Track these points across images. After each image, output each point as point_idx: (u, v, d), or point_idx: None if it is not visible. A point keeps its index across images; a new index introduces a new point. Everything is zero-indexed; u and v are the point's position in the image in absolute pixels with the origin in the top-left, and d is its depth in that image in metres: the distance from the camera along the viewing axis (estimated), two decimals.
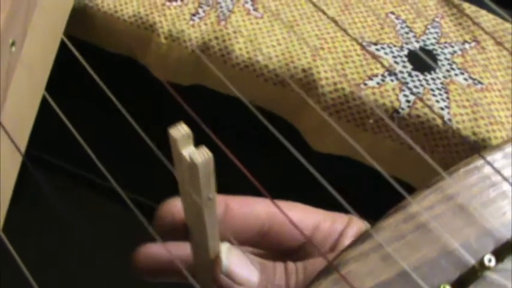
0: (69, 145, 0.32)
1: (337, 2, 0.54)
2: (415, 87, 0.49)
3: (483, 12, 0.54)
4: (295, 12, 0.53)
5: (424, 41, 0.52)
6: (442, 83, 0.49)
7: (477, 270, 0.25)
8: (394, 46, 0.51)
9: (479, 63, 0.51)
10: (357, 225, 0.34)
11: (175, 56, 0.53)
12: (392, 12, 0.54)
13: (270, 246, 0.35)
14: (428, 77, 0.49)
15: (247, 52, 0.51)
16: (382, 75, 0.49)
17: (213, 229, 0.29)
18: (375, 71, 0.49)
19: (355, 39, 0.49)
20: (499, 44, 0.51)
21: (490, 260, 0.25)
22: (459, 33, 0.53)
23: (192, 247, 0.32)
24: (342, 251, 0.27)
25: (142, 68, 0.56)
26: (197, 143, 0.25)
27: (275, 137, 0.30)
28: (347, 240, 0.33)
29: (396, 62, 0.50)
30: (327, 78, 0.49)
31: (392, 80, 0.49)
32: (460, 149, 0.48)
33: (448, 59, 0.51)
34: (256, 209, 0.34)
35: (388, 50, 0.51)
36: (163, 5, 0.54)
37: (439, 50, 0.51)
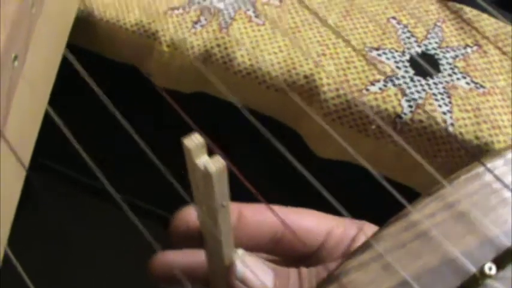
0: (72, 152, 0.33)
1: (338, 8, 0.54)
2: (417, 92, 0.49)
3: (484, 16, 0.54)
4: (296, 19, 0.53)
5: (425, 45, 0.52)
6: (444, 88, 0.49)
7: (478, 279, 0.25)
8: (396, 51, 0.51)
9: (481, 67, 0.51)
10: (370, 230, 0.34)
11: (178, 64, 0.53)
12: (394, 17, 0.54)
13: (284, 253, 0.35)
14: (431, 81, 0.49)
15: (249, 59, 0.51)
16: (384, 81, 0.49)
17: (228, 236, 0.30)
18: (377, 77, 0.49)
19: (354, 48, 0.49)
20: (498, 48, 0.51)
21: (490, 268, 0.25)
22: (461, 37, 0.53)
23: (206, 254, 0.33)
24: (343, 260, 0.27)
25: (144, 76, 0.56)
26: None
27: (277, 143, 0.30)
28: None
29: (398, 67, 0.50)
30: (329, 84, 0.49)
31: (394, 85, 0.49)
32: (462, 153, 0.48)
33: (450, 64, 0.51)
34: (269, 217, 0.34)
35: (390, 55, 0.51)
36: (165, 13, 0.54)
37: (441, 55, 0.51)
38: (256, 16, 0.53)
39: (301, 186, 0.31)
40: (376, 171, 0.50)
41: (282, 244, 0.35)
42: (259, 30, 0.52)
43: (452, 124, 0.48)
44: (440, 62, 0.51)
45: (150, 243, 0.30)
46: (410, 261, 0.26)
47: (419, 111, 0.48)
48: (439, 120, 0.48)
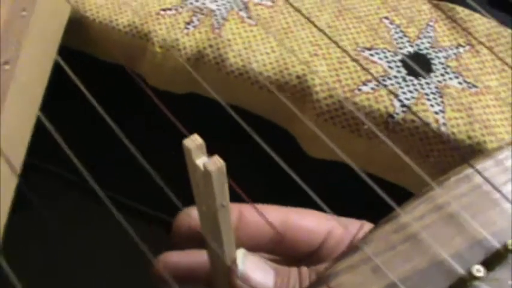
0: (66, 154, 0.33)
1: (331, 8, 0.54)
2: (410, 91, 0.49)
3: (477, 15, 0.54)
4: (289, 19, 0.53)
5: (418, 45, 0.52)
6: (436, 87, 0.49)
7: (466, 280, 0.25)
8: (388, 51, 0.51)
9: (473, 66, 0.51)
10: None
11: (170, 64, 0.53)
12: (386, 17, 0.54)
13: (284, 252, 0.36)
14: (423, 81, 0.50)
15: (242, 60, 0.51)
16: (377, 81, 0.49)
17: (228, 236, 0.30)
18: (369, 77, 0.49)
19: (345, 50, 0.49)
20: (489, 48, 0.51)
21: (478, 270, 0.25)
22: (453, 37, 0.53)
23: (208, 254, 0.33)
24: (332, 262, 0.27)
25: (136, 78, 0.56)
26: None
27: (268, 143, 0.30)
28: None
29: (390, 67, 0.50)
30: (321, 85, 0.49)
31: (386, 85, 0.49)
32: (455, 153, 0.48)
33: (442, 63, 0.51)
34: (270, 217, 0.35)
35: (382, 55, 0.51)
36: (157, 14, 0.54)
37: (433, 54, 0.51)
38: (249, 17, 0.53)
39: (295, 187, 0.31)
40: (369, 171, 0.51)
41: (282, 244, 0.35)
42: (251, 31, 0.52)
43: (444, 124, 0.48)
44: (433, 61, 0.51)
45: (149, 244, 0.30)
46: (399, 264, 0.26)
47: (412, 110, 0.48)
48: (432, 120, 0.48)
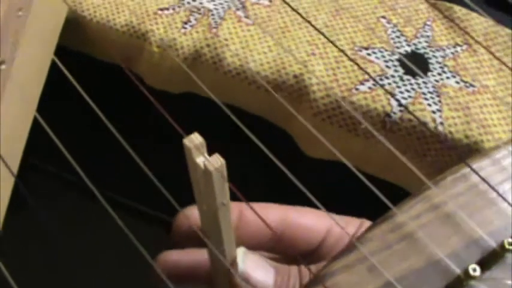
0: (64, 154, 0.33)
1: (328, 7, 0.54)
2: (407, 91, 0.49)
3: (474, 15, 0.54)
4: (286, 19, 0.53)
5: (415, 44, 0.52)
6: (433, 87, 0.49)
7: (462, 280, 0.25)
8: (386, 50, 0.51)
9: (470, 66, 0.51)
10: None
11: (168, 64, 0.53)
12: (384, 17, 0.54)
13: (284, 251, 0.36)
14: (420, 80, 0.50)
15: (239, 59, 0.51)
16: (374, 80, 0.49)
17: (229, 234, 0.30)
18: (367, 76, 0.49)
19: (342, 50, 0.49)
20: (486, 48, 0.51)
21: (474, 270, 0.25)
22: (450, 36, 0.53)
23: (209, 253, 0.33)
24: (329, 261, 0.27)
25: (134, 78, 0.56)
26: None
27: (266, 142, 0.30)
28: None
29: (388, 66, 0.50)
30: (318, 84, 0.49)
31: (383, 85, 0.49)
32: (452, 152, 0.48)
33: (439, 63, 0.51)
34: (270, 215, 0.35)
35: (379, 54, 0.51)
36: (155, 13, 0.54)
37: (431, 54, 0.51)
38: (246, 16, 0.53)
39: (294, 186, 0.31)
40: (366, 171, 0.51)
41: (282, 242, 0.35)
42: (248, 30, 0.52)
43: (441, 123, 0.48)
44: (430, 61, 0.51)
45: (149, 244, 0.30)
46: (395, 263, 0.26)
47: (409, 110, 0.48)
48: (429, 119, 0.48)
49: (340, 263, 0.26)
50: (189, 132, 0.27)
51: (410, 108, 0.48)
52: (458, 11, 0.54)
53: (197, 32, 0.52)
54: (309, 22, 0.50)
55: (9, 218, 0.41)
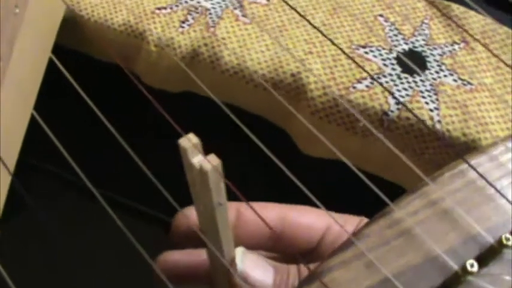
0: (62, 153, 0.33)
1: (326, 6, 0.54)
2: (404, 89, 0.49)
3: (472, 13, 0.54)
4: (283, 17, 0.53)
5: (413, 43, 0.52)
6: (431, 85, 0.49)
7: (460, 276, 0.25)
8: (383, 49, 0.51)
9: (468, 64, 0.51)
10: None
11: (165, 63, 0.53)
12: (381, 15, 0.54)
13: (283, 250, 0.36)
14: (418, 79, 0.50)
15: (236, 58, 0.51)
16: (371, 78, 0.49)
17: (227, 234, 0.30)
18: (364, 74, 0.49)
19: (340, 48, 0.49)
20: (484, 45, 0.51)
21: (472, 265, 0.25)
22: (448, 34, 0.53)
23: (207, 253, 0.33)
24: (325, 258, 0.27)
25: (132, 77, 0.56)
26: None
27: (265, 141, 0.30)
28: None
29: (385, 65, 0.50)
30: (315, 83, 0.49)
31: (381, 83, 0.49)
32: (450, 150, 0.48)
33: (437, 61, 0.51)
34: (268, 214, 0.35)
35: (377, 53, 0.51)
36: (152, 12, 0.54)
37: (428, 52, 0.51)
38: (244, 15, 0.53)
39: (294, 185, 0.31)
40: (364, 169, 0.51)
41: (281, 241, 0.35)
42: (246, 29, 0.52)
43: (439, 121, 0.48)
44: (428, 59, 0.51)
45: (149, 244, 0.30)
46: (392, 259, 0.26)
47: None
48: (426, 117, 0.48)
49: (337, 259, 0.26)
50: (187, 131, 0.27)
51: (408, 106, 0.48)
52: (456, 9, 0.54)
53: (195, 31, 0.52)
54: (307, 20, 0.50)
55: (9, 218, 0.41)
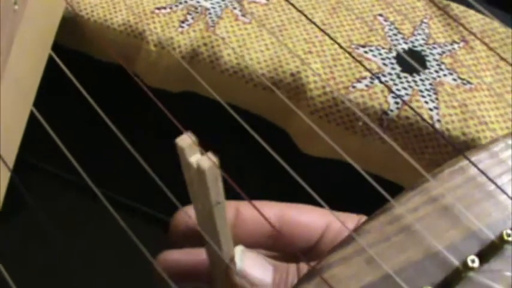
0: (64, 153, 0.33)
1: (325, 5, 0.54)
2: (404, 88, 0.49)
3: (471, 12, 0.54)
4: (283, 17, 0.53)
5: (412, 42, 0.52)
6: (431, 84, 0.49)
7: (461, 272, 0.25)
8: (383, 48, 0.51)
9: (468, 63, 0.51)
10: None
11: (165, 63, 0.53)
12: (381, 14, 0.54)
13: (282, 248, 0.36)
14: (417, 78, 0.50)
15: (236, 58, 0.51)
16: (371, 78, 0.49)
17: (225, 233, 0.30)
18: (364, 74, 0.49)
19: (342, 47, 0.49)
20: (485, 44, 0.51)
21: (473, 261, 0.25)
22: (448, 33, 0.53)
23: (207, 252, 0.33)
24: (326, 254, 0.27)
25: (132, 76, 0.56)
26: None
27: (265, 141, 0.30)
28: None
29: (385, 64, 0.50)
30: (315, 82, 0.49)
31: (380, 82, 0.49)
32: (449, 149, 0.48)
33: (436, 60, 0.51)
34: (266, 213, 0.35)
35: (376, 52, 0.51)
36: (152, 12, 0.54)
37: (428, 51, 0.51)
38: (243, 15, 0.53)
39: (292, 187, 0.31)
40: (364, 168, 0.51)
41: (280, 240, 0.35)
42: (245, 29, 0.52)
43: (439, 120, 0.48)
44: (427, 58, 0.51)
45: (148, 243, 0.30)
46: (393, 255, 0.26)
47: (406, 107, 0.48)
48: (426, 116, 0.48)
49: (338, 255, 0.26)
50: (187, 131, 0.27)
51: (407, 106, 0.48)
52: (456, 8, 0.54)
53: (194, 30, 0.52)
54: (306, 16, 0.50)
55: (9, 218, 0.41)
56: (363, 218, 0.35)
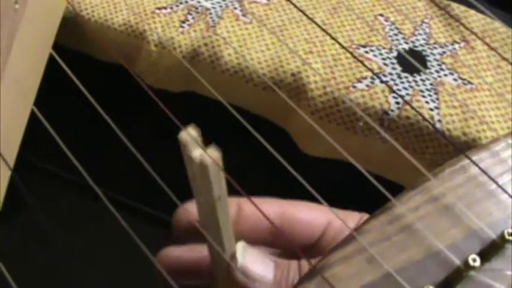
0: (64, 152, 0.33)
1: (326, 6, 0.54)
2: (405, 88, 0.49)
3: (472, 12, 0.54)
4: (284, 17, 0.53)
5: (413, 42, 0.52)
6: (431, 84, 0.49)
7: (462, 271, 0.25)
8: (383, 48, 0.51)
9: (468, 63, 0.51)
10: None
11: (166, 63, 0.53)
12: (381, 14, 0.54)
13: (284, 245, 0.36)
14: (418, 78, 0.50)
15: (237, 58, 0.51)
16: (371, 78, 0.49)
17: (227, 228, 0.30)
18: (364, 74, 0.49)
19: (344, 47, 0.49)
20: (486, 44, 0.51)
21: (474, 260, 0.25)
22: (448, 33, 0.53)
23: (208, 248, 0.33)
24: (326, 253, 0.27)
25: (133, 76, 0.56)
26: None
27: (265, 141, 0.30)
28: None
29: (385, 64, 0.50)
30: (316, 82, 0.49)
31: (381, 82, 0.49)
32: (450, 149, 0.48)
33: (437, 60, 0.51)
34: (268, 209, 0.35)
35: (377, 52, 0.51)
36: (153, 12, 0.54)
37: (428, 51, 0.51)
38: (244, 14, 0.53)
39: (294, 185, 0.31)
40: (365, 168, 0.51)
41: (281, 236, 0.35)
42: (246, 29, 0.52)
43: (439, 120, 0.48)
44: (428, 58, 0.51)
45: (149, 243, 0.30)
46: (394, 254, 0.26)
47: (407, 107, 0.48)
48: (427, 116, 0.48)
49: (338, 254, 0.26)
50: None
51: (408, 105, 0.48)
52: (456, 8, 0.54)
53: (195, 30, 0.52)
54: (307, 16, 0.50)
55: (9, 218, 0.41)
56: (365, 216, 0.35)
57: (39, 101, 0.39)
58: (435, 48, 0.52)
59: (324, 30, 0.51)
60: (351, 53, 0.50)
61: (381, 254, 0.26)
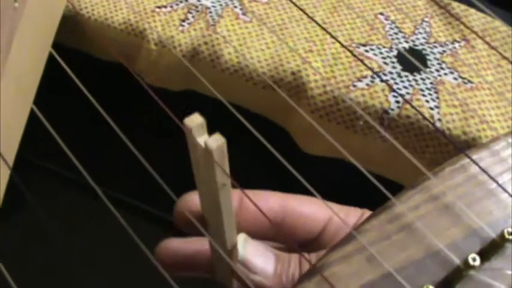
0: (64, 151, 0.33)
1: (326, 4, 0.54)
2: (405, 87, 0.49)
3: (472, 11, 0.54)
4: (284, 16, 0.53)
5: (413, 41, 0.52)
6: (431, 83, 0.49)
7: (462, 270, 0.25)
8: (384, 47, 0.51)
9: (468, 62, 0.51)
10: None
11: (166, 62, 0.53)
12: (382, 13, 0.54)
13: (285, 239, 0.36)
14: (418, 77, 0.49)
15: (237, 56, 0.51)
16: (372, 77, 0.49)
17: (229, 218, 0.30)
18: (364, 73, 0.49)
19: (344, 46, 0.49)
20: (486, 43, 0.51)
21: (474, 259, 0.25)
22: (448, 32, 0.53)
23: (209, 238, 0.33)
24: (326, 252, 0.27)
25: (133, 75, 0.56)
26: None
27: (265, 140, 0.30)
28: None
29: (385, 63, 0.50)
30: (316, 81, 0.49)
31: (381, 81, 0.49)
32: (450, 148, 0.48)
33: (437, 59, 0.51)
34: (270, 202, 0.35)
35: (377, 51, 0.51)
36: (152, 11, 0.54)
37: (429, 50, 0.51)
38: (244, 13, 0.53)
39: (294, 183, 0.31)
40: (365, 168, 0.50)
41: (282, 230, 0.35)
42: (246, 27, 0.52)
43: (439, 119, 0.48)
44: (428, 57, 0.51)
45: (149, 242, 0.30)
46: (394, 253, 0.26)
47: (407, 106, 0.48)
48: (427, 115, 0.48)
49: (338, 253, 0.26)
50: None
51: (408, 104, 0.48)
52: (457, 7, 0.54)
53: (195, 29, 0.52)
54: (307, 14, 0.50)
55: (9, 217, 0.41)
56: (367, 212, 0.35)
57: (38, 100, 0.39)
58: (435, 47, 0.52)
59: (324, 29, 0.51)
60: (351, 52, 0.50)
61: (381, 253, 0.26)
